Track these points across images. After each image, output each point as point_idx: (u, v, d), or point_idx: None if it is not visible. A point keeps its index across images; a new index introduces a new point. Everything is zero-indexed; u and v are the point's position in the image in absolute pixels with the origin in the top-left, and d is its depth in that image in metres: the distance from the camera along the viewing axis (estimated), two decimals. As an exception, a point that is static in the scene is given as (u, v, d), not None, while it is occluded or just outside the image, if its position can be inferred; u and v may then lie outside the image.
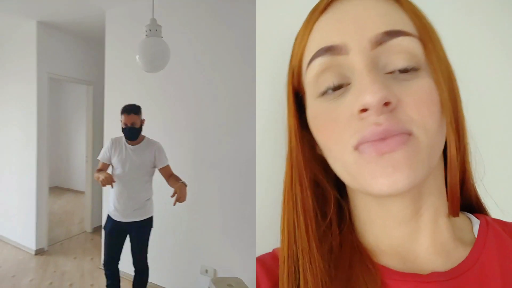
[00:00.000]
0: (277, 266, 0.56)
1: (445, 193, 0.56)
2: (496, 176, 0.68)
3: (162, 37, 1.72)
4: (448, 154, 0.52)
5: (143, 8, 2.41)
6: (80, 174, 5.38)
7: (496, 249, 0.54)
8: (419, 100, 0.47)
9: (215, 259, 2.29)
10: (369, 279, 0.50)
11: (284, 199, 0.58)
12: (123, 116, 2.03)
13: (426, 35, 0.51)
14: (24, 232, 3.23)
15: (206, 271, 2.14)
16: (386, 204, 0.54)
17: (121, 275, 2.27)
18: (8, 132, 3.42)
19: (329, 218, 0.57)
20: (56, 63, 3.30)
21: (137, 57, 1.68)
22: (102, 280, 2.36)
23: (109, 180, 1.92)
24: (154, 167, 2.10)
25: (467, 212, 0.62)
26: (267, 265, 0.58)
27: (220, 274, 2.14)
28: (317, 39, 0.52)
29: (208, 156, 2.40)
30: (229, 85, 2.27)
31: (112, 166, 2.11)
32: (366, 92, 0.45)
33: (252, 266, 2.15)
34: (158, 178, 2.12)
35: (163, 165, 2.09)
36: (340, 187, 0.60)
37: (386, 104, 0.45)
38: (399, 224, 0.54)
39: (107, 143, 2.16)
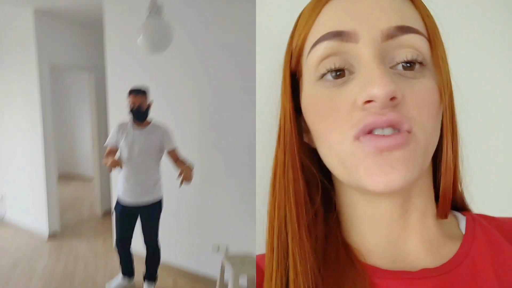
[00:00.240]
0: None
1: (433, 194, 0.57)
2: (479, 180, 0.68)
3: (163, 18, 1.72)
4: (444, 157, 0.53)
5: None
6: (87, 161, 5.46)
7: (485, 243, 0.54)
8: (421, 100, 0.47)
9: (226, 237, 2.32)
10: (358, 279, 0.50)
11: (274, 185, 0.56)
12: (130, 97, 2.03)
13: (435, 37, 0.52)
14: (36, 218, 3.32)
15: (218, 248, 2.19)
16: (374, 202, 0.54)
17: (134, 254, 2.33)
18: (14, 122, 3.46)
19: (316, 205, 0.56)
20: (56, 51, 3.30)
21: (139, 38, 1.68)
22: (116, 260, 2.43)
23: (117, 163, 1.93)
24: (162, 150, 2.12)
25: (452, 210, 0.62)
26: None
27: (232, 251, 2.18)
28: (326, 22, 0.51)
29: (214, 136, 2.41)
30: (233, 66, 2.27)
31: (120, 151, 2.13)
32: (374, 84, 0.45)
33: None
34: (168, 159, 2.14)
35: (171, 149, 2.11)
36: (325, 184, 0.59)
37: (392, 99, 0.45)
38: (387, 223, 0.54)
39: (113, 128, 2.18)
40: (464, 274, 0.51)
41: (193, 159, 2.14)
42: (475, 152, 0.63)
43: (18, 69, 3.30)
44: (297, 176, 0.54)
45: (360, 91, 0.46)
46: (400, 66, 0.48)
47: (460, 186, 0.60)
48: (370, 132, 0.47)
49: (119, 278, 2.36)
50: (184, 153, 2.15)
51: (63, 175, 5.62)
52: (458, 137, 0.56)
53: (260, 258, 0.60)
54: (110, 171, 1.99)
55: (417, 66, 0.49)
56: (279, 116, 0.58)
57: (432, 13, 0.54)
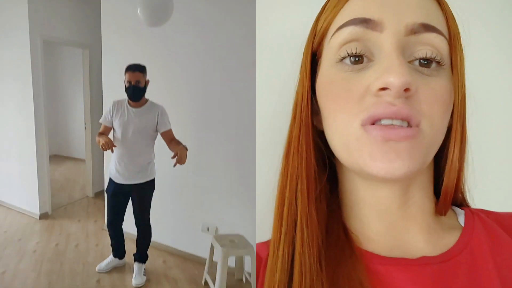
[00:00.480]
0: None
1: (432, 192, 0.59)
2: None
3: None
4: (450, 156, 0.55)
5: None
6: (80, 142, 5.37)
7: (484, 234, 0.55)
8: (432, 97, 0.49)
9: (216, 218, 2.34)
10: (357, 263, 0.51)
11: (287, 158, 0.58)
12: (127, 75, 1.98)
13: (455, 40, 0.54)
14: (27, 198, 3.27)
15: (208, 228, 2.20)
16: (375, 189, 0.55)
17: (125, 235, 2.32)
18: (3, 100, 3.37)
19: (322, 184, 0.58)
20: (49, 25, 3.20)
21: (138, 10, 1.61)
22: (107, 240, 2.42)
23: (110, 145, 1.91)
24: (157, 130, 2.08)
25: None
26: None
27: (221, 232, 2.19)
28: (355, 8, 0.52)
29: (210, 118, 2.39)
30: (230, 45, 2.22)
31: (114, 129, 2.09)
32: (392, 72, 0.46)
33: (253, 223, 2.22)
34: (162, 140, 2.11)
35: (165, 129, 2.07)
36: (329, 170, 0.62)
37: (406, 90, 0.47)
38: (386, 212, 0.56)
39: (108, 105, 2.13)
40: (463, 263, 0.52)
41: (186, 139, 2.11)
42: (478, 154, 0.65)
43: (9, 43, 3.20)
44: (310, 151, 0.56)
45: (376, 78, 0.48)
46: (417, 62, 0.50)
47: (463, 186, 0.62)
48: (377, 120, 0.48)
49: (109, 258, 2.35)
50: (177, 133, 2.11)
51: (55, 155, 5.55)
52: (466, 139, 0.58)
53: (260, 246, 0.61)
54: (104, 150, 1.95)
55: (433, 64, 0.51)
56: (295, 93, 0.61)
57: (456, 16, 0.56)
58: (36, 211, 3.21)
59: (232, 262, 2.20)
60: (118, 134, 2.05)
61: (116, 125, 2.06)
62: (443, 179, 0.56)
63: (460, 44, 0.55)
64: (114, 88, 2.69)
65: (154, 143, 2.13)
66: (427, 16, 0.51)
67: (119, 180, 2.11)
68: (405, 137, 0.47)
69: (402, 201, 0.55)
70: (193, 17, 2.33)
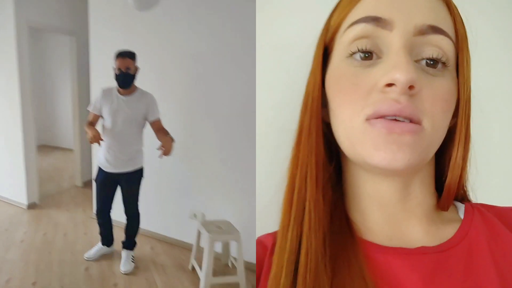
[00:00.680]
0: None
1: (434, 188, 0.61)
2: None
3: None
4: (454, 154, 0.57)
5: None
6: (67, 132, 5.31)
7: (483, 227, 0.57)
8: (437, 97, 0.51)
9: (204, 205, 2.34)
10: (358, 251, 0.54)
11: (298, 146, 0.60)
12: (117, 61, 1.95)
13: (462, 43, 0.56)
14: (14, 188, 3.23)
15: (195, 215, 2.21)
16: (377, 182, 0.58)
17: (113, 223, 2.32)
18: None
19: (329, 173, 0.61)
20: (35, 11, 3.11)
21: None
22: (95, 229, 2.41)
23: (97, 139, 1.90)
24: (146, 119, 2.07)
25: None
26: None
27: (209, 218, 2.21)
28: (368, 6, 0.55)
29: (199, 106, 2.38)
30: (222, 31, 2.19)
31: (103, 118, 2.07)
32: (398, 68, 0.48)
33: (238, 211, 2.25)
34: (150, 128, 2.10)
35: (154, 118, 2.06)
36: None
37: (411, 87, 0.49)
38: (387, 204, 0.58)
39: (98, 93, 2.11)
40: (461, 254, 0.54)
41: (173, 127, 2.11)
42: (479, 152, 0.66)
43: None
44: (320, 140, 0.59)
45: (383, 74, 0.50)
46: (424, 62, 0.53)
47: (466, 183, 0.65)
48: (381, 117, 0.51)
49: (98, 246, 2.35)
50: (165, 121, 2.10)
51: (43, 145, 5.47)
52: (470, 139, 0.60)
53: (265, 236, 0.64)
54: (91, 143, 1.93)
55: (439, 65, 0.53)
56: (306, 84, 0.63)
57: (464, 20, 0.59)
58: (24, 201, 3.18)
59: (218, 248, 2.22)
60: (108, 122, 2.03)
61: (105, 113, 2.04)
62: (445, 176, 0.59)
63: (467, 47, 0.57)
64: (102, 76, 2.65)
65: (142, 131, 2.12)
66: (435, 19, 0.53)
67: (108, 168, 2.09)
68: (408, 131, 0.49)
69: (403, 195, 0.58)
70: (184, 2, 2.30)
